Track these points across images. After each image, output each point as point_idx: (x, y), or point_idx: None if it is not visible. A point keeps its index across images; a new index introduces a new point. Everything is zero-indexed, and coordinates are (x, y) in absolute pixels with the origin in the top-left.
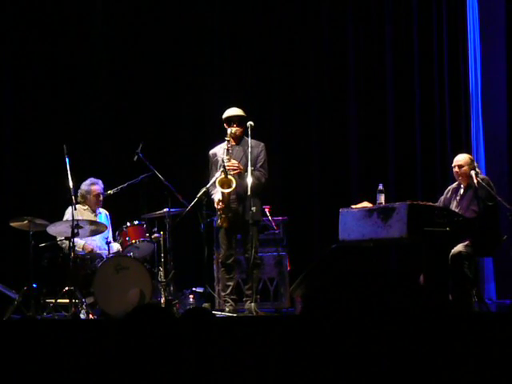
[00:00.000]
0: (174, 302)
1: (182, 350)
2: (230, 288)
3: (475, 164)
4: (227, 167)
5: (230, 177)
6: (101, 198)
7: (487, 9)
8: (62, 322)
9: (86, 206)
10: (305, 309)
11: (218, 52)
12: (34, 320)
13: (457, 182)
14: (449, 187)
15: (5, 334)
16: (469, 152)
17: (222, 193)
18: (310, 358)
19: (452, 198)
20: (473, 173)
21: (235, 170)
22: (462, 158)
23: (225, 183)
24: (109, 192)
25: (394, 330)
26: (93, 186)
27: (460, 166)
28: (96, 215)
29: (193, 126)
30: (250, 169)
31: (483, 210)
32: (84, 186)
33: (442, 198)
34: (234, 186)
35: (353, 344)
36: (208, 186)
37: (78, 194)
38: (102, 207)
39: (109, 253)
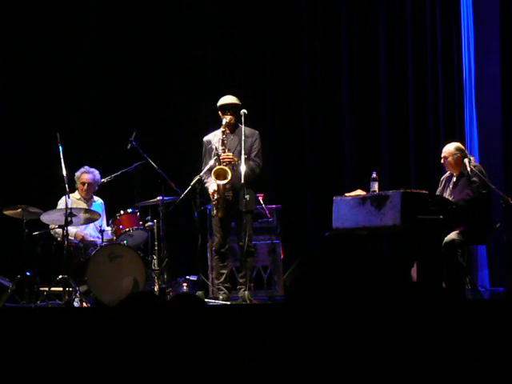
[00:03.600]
0: (167, 290)
1: (174, 337)
2: (224, 276)
3: (466, 152)
4: (222, 159)
5: (225, 167)
6: (86, 186)
7: None
8: (56, 310)
9: (79, 196)
10: (288, 295)
11: (211, 40)
12: (27, 308)
13: (448, 171)
14: (442, 177)
15: None
16: (462, 140)
17: (218, 184)
18: (301, 345)
19: (445, 186)
20: (466, 160)
21: (230, 161)
22: (446, 150)
23: (220, 174)
24: (102, 180)
25: (385, 318)
26: (83, 174)
27: (445, 158)
28: (91, 204)
29: (186, 113)
30: (243, 157)
31: (478, 195)
32: (77, 171)
33: (438, 189)
34: (229, 177)
35: (341, 331)
36: (201, 174)
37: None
38: (96, 194)
39: (102, 241)
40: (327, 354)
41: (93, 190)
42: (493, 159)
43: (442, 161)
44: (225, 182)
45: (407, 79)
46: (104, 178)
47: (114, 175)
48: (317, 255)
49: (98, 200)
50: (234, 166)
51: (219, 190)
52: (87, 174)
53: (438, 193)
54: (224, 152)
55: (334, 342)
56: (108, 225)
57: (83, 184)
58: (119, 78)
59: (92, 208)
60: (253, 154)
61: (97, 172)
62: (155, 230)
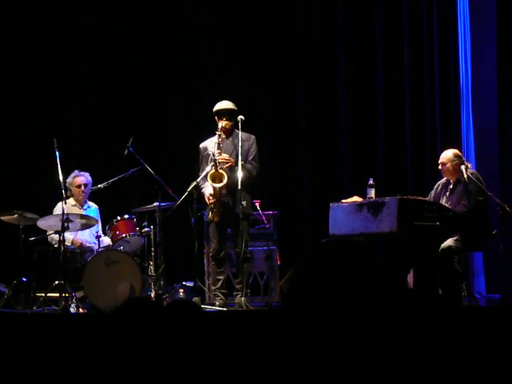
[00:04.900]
0: (164, 296)
1: (170, 343)
2: (221, 282)
3: (463, 158)
4: (218, 161)
5: (221, 171)
6: (82, 188)
7: (477, 2)
8: (52, 316)
9: (75, 202)
10: (285, 301)
11: (208, 45)
12: (23, 314)
13: (445, 178)
14: (438, 182)
15: None
16: (459, 147)
17: (214, 187)
18: (297, 350)
19: (442, 193)
20: (463, 167)
21: (227, 163)
22: (444, 156)
23: (216, 178)
24: (99, 186)
25: (381, 323)
26: (75, 177)
27: (443, 164)
28: (85, 209)
29: (183, 119)
30: (240, 163)
31: (474, 205)
32: (69, 178)
33: (432, 192)
34: (225, 180)
35: (337, 336)
36: (198, 179)
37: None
38: (92, 200)
39: (99, 247)
40: (323, 359)
41: (89, 190)
42: (489, 166)
43: (440, 167)
44: (221, 185)
45: (404, 85)
46: (101, 183)
47: (110, 181)
48: (313, 262)
49: (92, 205)
50: (232, 168)
51: (215, 193)
52: (80, 177)
53: (431, 197)
54: (220, 155)
55: (331, 348)
56: (104, 230)
57: (79, 186)
58: (116, 83)
59: (87, 213)
60: (250, 158)
61: (88, 174)
62: (152, 236)
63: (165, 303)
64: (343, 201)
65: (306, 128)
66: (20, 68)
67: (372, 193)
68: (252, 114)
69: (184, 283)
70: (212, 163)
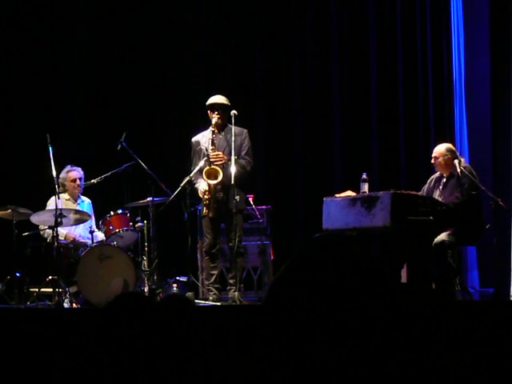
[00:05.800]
0: (157, 291)
1: (164, 338)
2: (214, 277)
3: (457, 153)
4: (212, 158)
5: (216, 167)
6: (78, 182)
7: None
8: (46, 311)
9: (68, 196)
10: (269, 296)
11: (202, 40)
12: (17, 309)
13: (439, 172)
14: (432, 176)
15: None
16: (452, 142)
17: (209, 184)
18: (289, 346)
19: (435, 187)
20: (456, 162)
21: (220, 161)
22: (437, 150)
23: (211, 174)
24: (92, 181)
25: (374, 319)
26: (69, 172)
27: (435, 158)
28: (78, 204)
29: (176, 114)
30: (233, 158)
31: (466, 198)
32: (62, 173)
33: (425, 187)
34: (220, 177)
35: (328, 332)
36: (191, 174)
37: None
38: (85, 195)
39: (92, 242)
40: (315, 355)
41: (83, 185)
42: (483, 160)
43: (433, 161)
44: (216, 181)
45: (397, 80)
46: (94, 178)
47: (103, 176)
48: (306, 257)
49: (85, 200)
50: (225, 164)
51: (210, 189)
52: (73, 172)
53: (424, 191)
54: (214, 151)
55: (322, 344)
56: (98, 225)
57: (74, 181)
58: (109, 78)
59: (80, 208)
60: (243, 153)
61: (80, 168)
62: (145, 231)
63: (158, 298)
64: (337, 195)
65: (299, 122)
66: (13, 62)
67: (365, 187)
68: (245, 109)
69: (177, 278)
70: (205, 159)
